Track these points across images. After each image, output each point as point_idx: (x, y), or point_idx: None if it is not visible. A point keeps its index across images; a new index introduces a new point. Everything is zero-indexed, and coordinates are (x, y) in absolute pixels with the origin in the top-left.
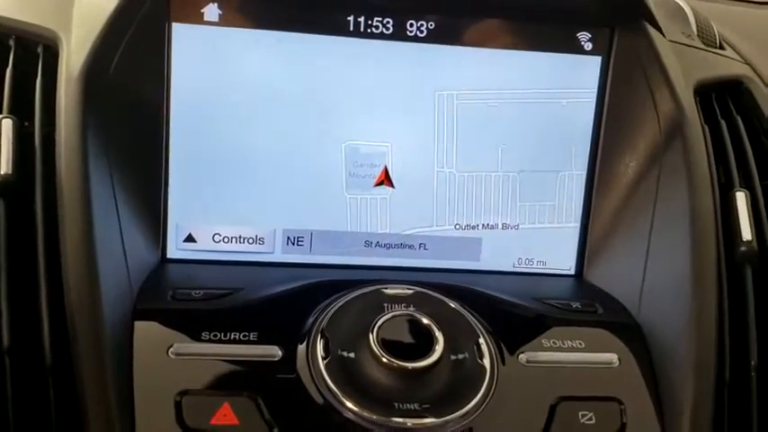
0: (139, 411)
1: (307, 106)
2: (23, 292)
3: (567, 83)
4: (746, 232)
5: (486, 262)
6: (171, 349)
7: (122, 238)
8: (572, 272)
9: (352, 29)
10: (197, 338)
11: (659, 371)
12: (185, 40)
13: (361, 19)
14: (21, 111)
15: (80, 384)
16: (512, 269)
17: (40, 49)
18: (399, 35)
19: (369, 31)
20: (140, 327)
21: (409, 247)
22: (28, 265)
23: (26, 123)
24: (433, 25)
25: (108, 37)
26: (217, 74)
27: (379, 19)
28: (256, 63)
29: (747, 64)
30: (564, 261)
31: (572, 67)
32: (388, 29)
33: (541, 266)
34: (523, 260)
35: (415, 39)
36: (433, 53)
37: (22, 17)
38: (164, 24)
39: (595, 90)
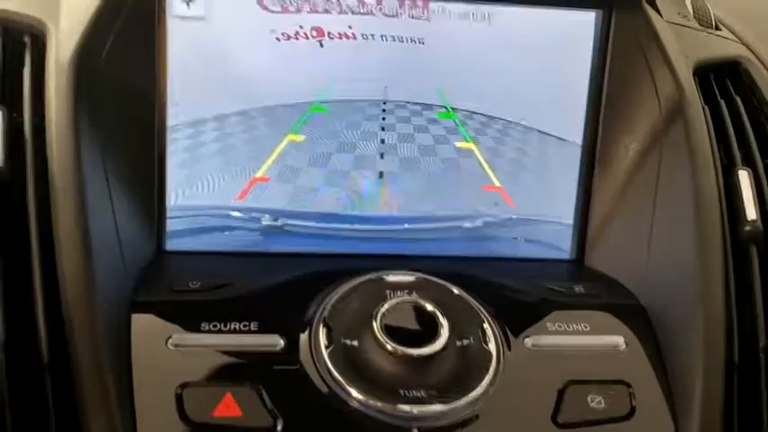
0: (140, 406)
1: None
2: (17, 288)
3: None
4: (751, 211)
5: (487, 248)
6: (170, 341)
7: (117, 231)
8: (573, 257)
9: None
10: (196, 330)
11: (666, 353)
12: (178, 24)
13: None
14: (9, 102)
15: (78, 381)
16: (513, 255)
17: (27, 39)
18: None
19: None
20: (138, 319)
21: (409, 234)
22: (21, 260)
23: (15, 114)
24: None
25: (98, 24)
26: (212, 59)
27: None
28: (249, 50)
29: (744, 44)
30: (565, 246)
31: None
32: None
33: (543, 252)
34: (524, 246)
35: None
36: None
37: (8, 6)
38: (155, 10)
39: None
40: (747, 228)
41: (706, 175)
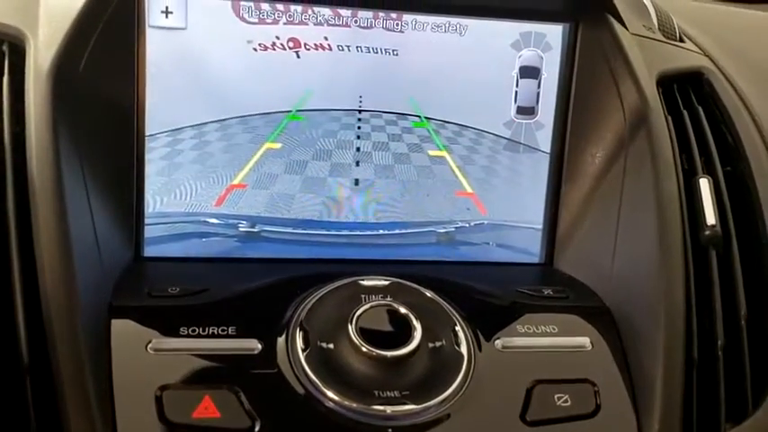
0: (120, 408)
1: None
2: None
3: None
4: (710, 217)
5: (459, 253)
6: (149, 345)
7: (96, 237)
8: (542, 260)
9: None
10: (175, 334)
11: (630, 353)
12: (157, 35)
13: None
14: None
15: (59, 384)
16: (484, 259)
17: (5, 48)
18: None
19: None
20: (117, 324)
21: (383, 240)
22: (1, 266)
23: None
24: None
25: (77, 34)
26: (190, 69)
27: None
28: (227, 61)
29: (706, 56)
30: (535, 250)
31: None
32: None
33: (513, 256)
34: (495, 250)
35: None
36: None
37: None
38: (134, 20)
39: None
40: (707, 233)
41: (668, 182)
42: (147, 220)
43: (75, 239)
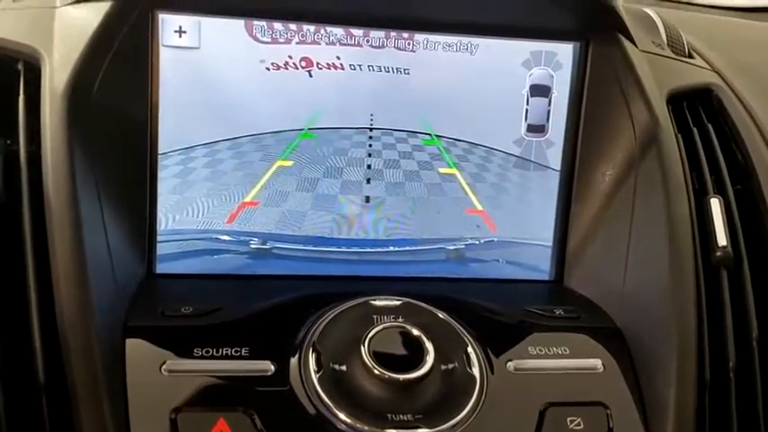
0: (135, 430)
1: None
2: (14, 313)
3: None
4: (722, 237)
5: (470, 270)
6: (164, 367)
7: (110, 255)
8: (552, 278)
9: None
10: (189, 355)
11: (642, 374)
12: (171, 54)
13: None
14: (3, 129)
15: (74, 403)
16: (494, 276)
17: (20, 66)
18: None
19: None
20: (132, 344)
21: (394, 257)
22: (18, 286)
23: (9, 141)
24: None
25: (92, 53)
26: (203, 88)
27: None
28: (240, 80)
29: (715, 72)
30: (545, 267)
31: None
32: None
33: (523, 273)
34: (505, 267)
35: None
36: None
37: (1, 34)
38: (148, 40)
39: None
40: (719, 253)
41: (679, 202)
42: (159, 238)
43: (89, 257)
